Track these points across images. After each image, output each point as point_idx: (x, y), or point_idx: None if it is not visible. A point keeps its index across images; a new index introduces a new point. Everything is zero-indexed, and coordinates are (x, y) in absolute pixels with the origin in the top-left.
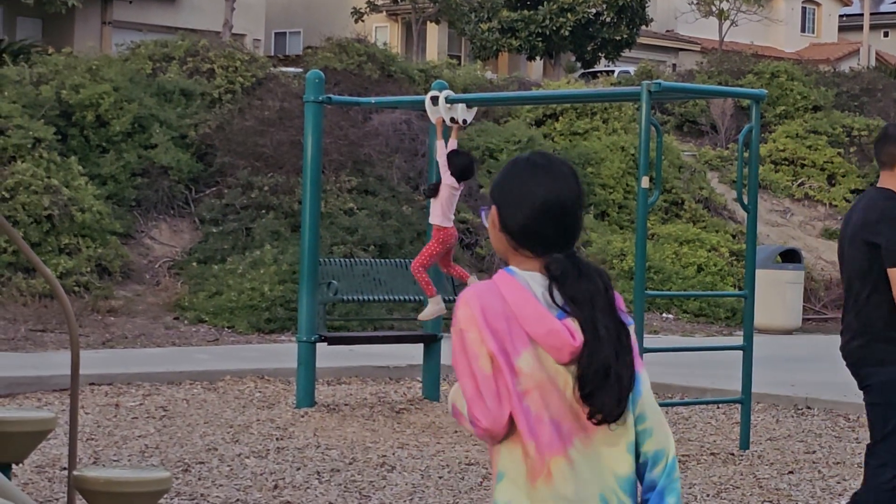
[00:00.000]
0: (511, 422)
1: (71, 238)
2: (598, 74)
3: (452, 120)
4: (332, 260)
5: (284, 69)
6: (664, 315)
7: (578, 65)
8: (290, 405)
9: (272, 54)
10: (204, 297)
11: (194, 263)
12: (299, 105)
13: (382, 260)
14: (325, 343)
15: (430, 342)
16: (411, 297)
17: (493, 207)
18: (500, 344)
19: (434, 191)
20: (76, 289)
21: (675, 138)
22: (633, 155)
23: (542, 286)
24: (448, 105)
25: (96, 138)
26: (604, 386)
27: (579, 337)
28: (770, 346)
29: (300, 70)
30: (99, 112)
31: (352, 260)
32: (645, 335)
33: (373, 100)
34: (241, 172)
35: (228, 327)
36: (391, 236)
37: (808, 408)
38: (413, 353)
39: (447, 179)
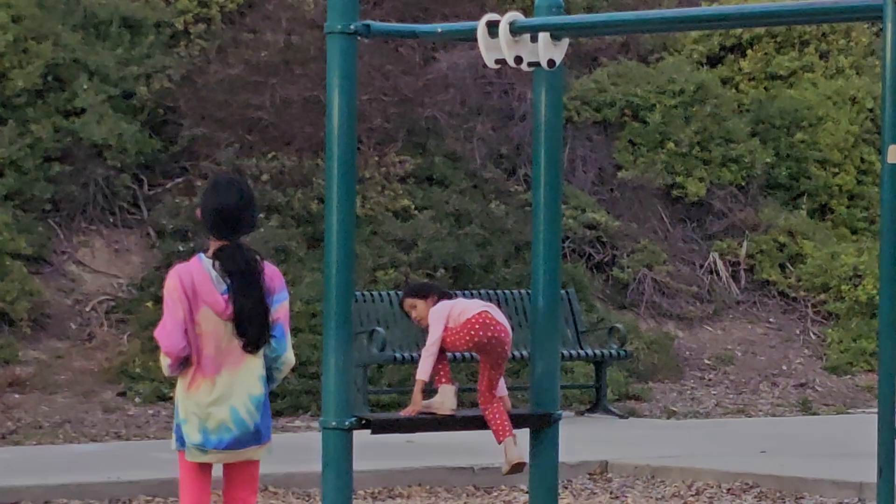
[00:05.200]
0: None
1: None
2: None
3: (518, 61)
4: (376, 294)
5: None
6: None
7: None
8: None
9: None
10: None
11: (149, 303)
12: (318, 39)
13: (459, 292)
14: (368, 430)
15: (542, 426)
16: (509, 353)
17: (197, 210)
18: (187, 303)
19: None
20: None
21: None
22: (871, 111)
23: (217, 271)
24: (514, 38)
25: None
26: (248, 328)
27: (230, 308)
28: None
29: None
30: None
31: None
32: None
33: (439, 28)
34: (224, 153)
35: None
36: (472, 252)
37: None
38: None
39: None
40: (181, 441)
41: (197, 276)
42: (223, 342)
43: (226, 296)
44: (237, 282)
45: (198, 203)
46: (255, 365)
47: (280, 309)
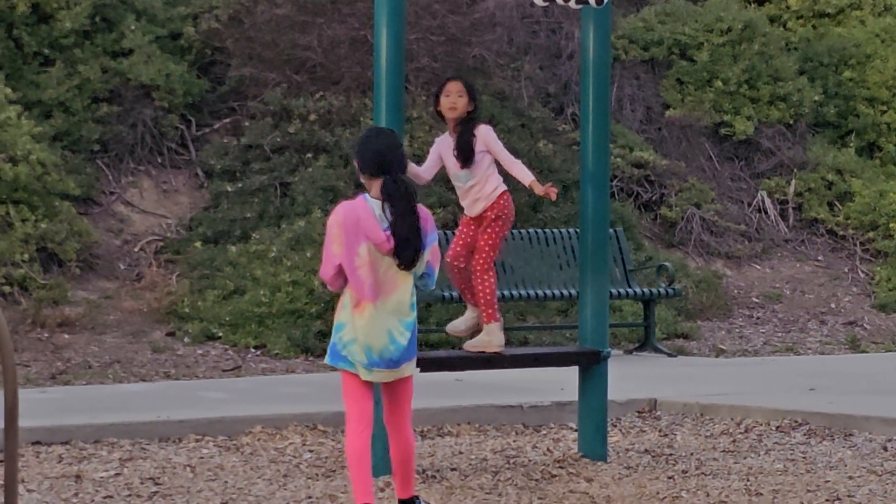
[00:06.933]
0: (345, 278)
1: None
2: None
3: None
4: None
5: None
6: None
7: None
8: None
9: None
10: (215, 298)
11: (198, 244)
12: None
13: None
14: (417, 369)
15: (591, 364)
16: (558, 291)
17: (355, 161)
18: (349, 238)
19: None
20: (6, 288)
21: None
22: None
23: (379, 208)
24: None
25: (33, 42)
26: (404, 248)
27: (391, 243)
28: None
29: None
30: (36, 0)
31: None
32: None
33: None
34: (272, 93)
35: (256, 347)
36: (520, 191)
37: None
38: (562, 382)
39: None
40: (339, 358)
41: (362, 213)
42: (381, 272)
43: (388, 232)
44: (398, 206)
45: (354, 155)
46: (407, 291)
47: (431, 250)
